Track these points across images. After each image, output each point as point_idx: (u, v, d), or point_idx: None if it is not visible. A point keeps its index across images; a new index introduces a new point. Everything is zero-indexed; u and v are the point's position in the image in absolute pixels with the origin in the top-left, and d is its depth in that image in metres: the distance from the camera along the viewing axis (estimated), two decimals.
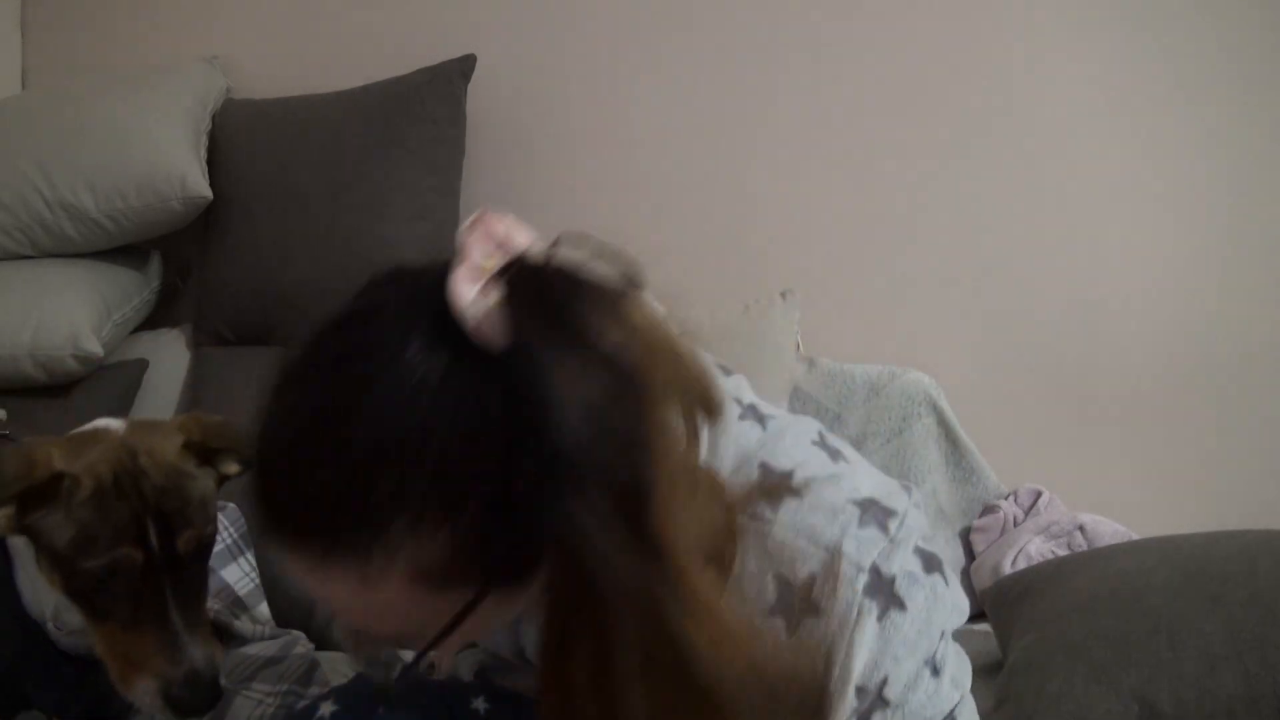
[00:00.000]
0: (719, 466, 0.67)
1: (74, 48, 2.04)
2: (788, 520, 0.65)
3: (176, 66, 1.85)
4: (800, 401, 1.50)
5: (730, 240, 1.68)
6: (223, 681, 1.19)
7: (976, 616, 1.44)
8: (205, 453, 0.92)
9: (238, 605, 1.40)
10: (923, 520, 0.72)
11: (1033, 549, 1.38)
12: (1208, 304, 1.48)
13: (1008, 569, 1.36)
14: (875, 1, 1.61)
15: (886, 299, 1.61)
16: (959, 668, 0.72)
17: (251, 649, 1.32)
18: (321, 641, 1.40)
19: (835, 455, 0.72)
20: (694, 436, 0.58)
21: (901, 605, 0.65)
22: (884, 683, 0.65)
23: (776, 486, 0.67)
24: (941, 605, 0.68)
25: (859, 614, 0.64)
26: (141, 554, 0.82)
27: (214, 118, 1.82)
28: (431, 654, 0.59)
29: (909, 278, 1.59)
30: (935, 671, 0.68)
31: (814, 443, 0.72)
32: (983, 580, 1.39)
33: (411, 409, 0.52)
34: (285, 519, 0.55)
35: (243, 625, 1.37)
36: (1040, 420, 1.54)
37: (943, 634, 0.68)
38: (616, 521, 0.51)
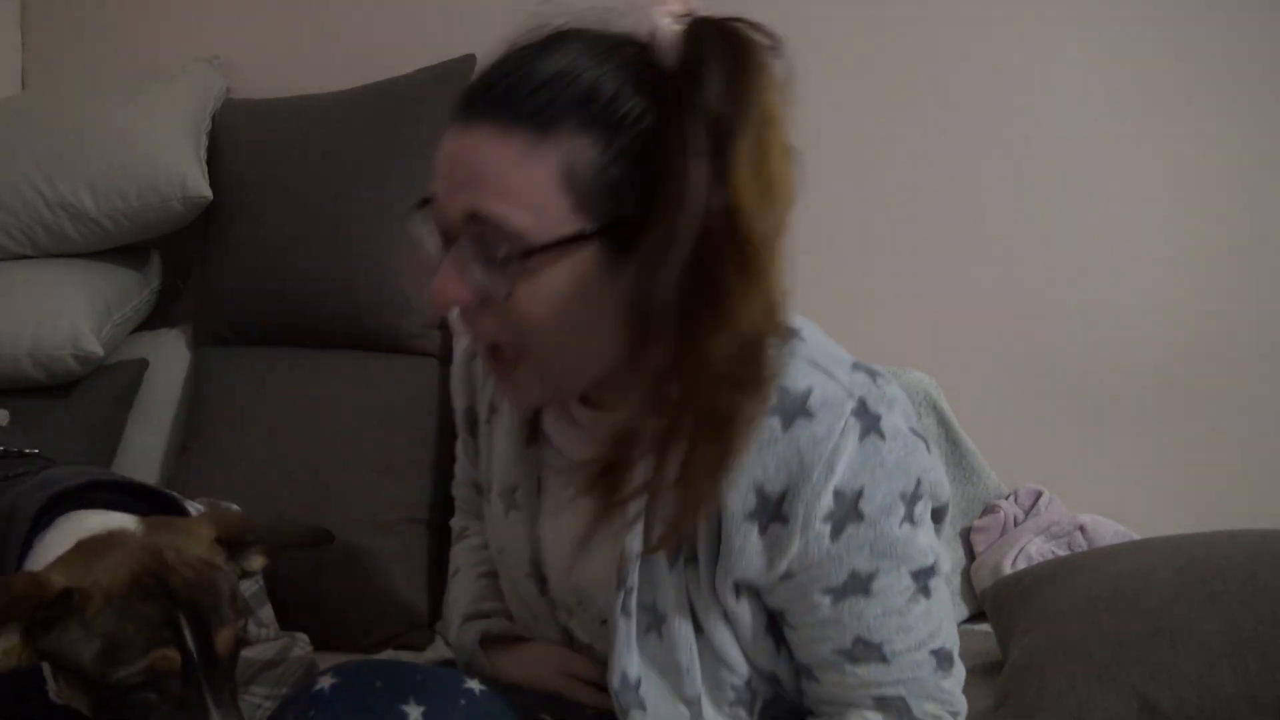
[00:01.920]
0: None
1: (74, 48, 2.04)
2: (794, 351, 0.77)
3: (176, 66, 1.85)
4: None
5: None
6: None
7: (976, 616, 1.44)
8: (232, 546, 0.88)
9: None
10: (909, 406, 0.81)
11: (1033, 549, 1.38)
12: (1208, 304, 1.49)
13: (1008, 569, 1.36)
14: (877, 1, 1.61)
15: (886, 299, 1.61)
16: (942, 548, 0.81)
17: (250, 652, 1.33)
18: (322, 642, 1.40)
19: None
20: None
21: (881, 435, 0.75)
22: (860, 494, 0.74)
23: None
24: (918, 457, 0.77)
25: (845, 426, 0.74)
26: (179, 655, 0.76)
27: (214, 118, 1.81)
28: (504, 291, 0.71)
29: (909, 278, 1.59)
30: (912, 521, 0.76)
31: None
32: (983, 580, 1.39)
33: (604, 61, 0.71)
34: (494, 92, 0.72)
35: (250, 629, 1.37)
36: (1040, 420, 1.54)
37: (919, 481, 0.77)
38: (711, 162, 0.68)
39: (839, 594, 0.77)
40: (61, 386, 1.65)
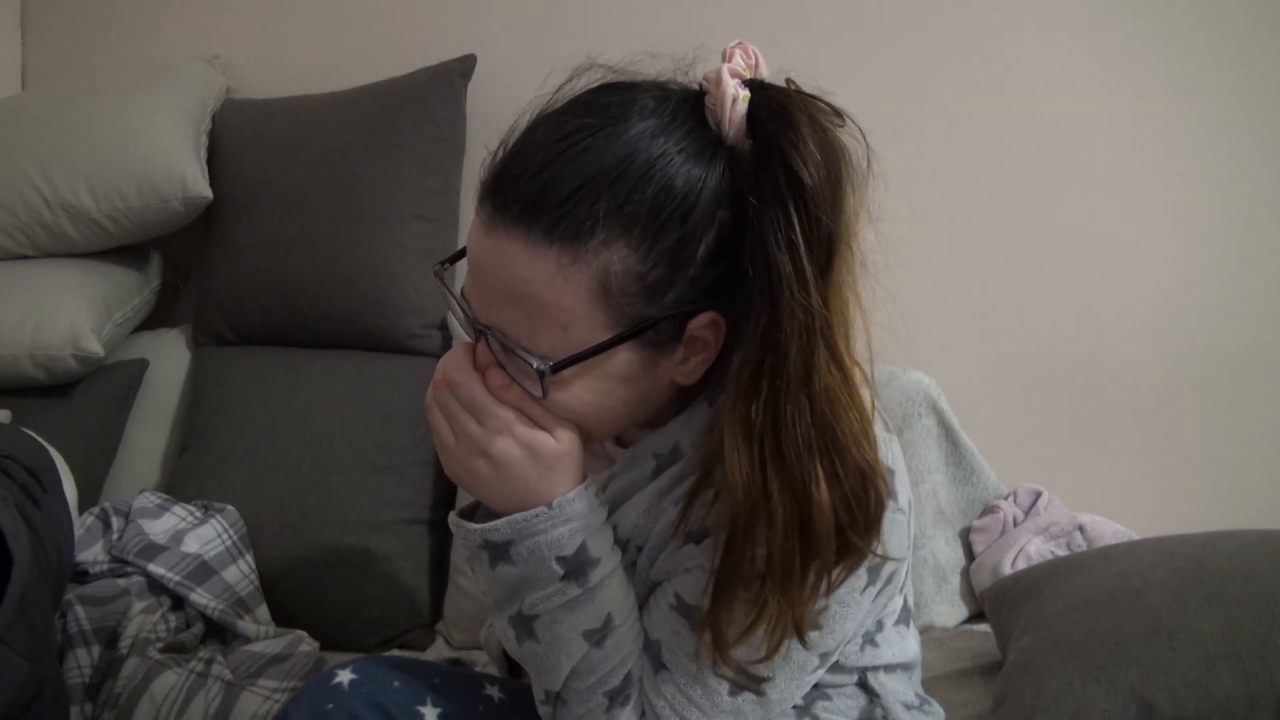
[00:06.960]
0: None
1: (74, 48, 2.04)
2: None
3: (176, 66, 1.85)
4: None
5: None
6: (229, 678, 1.19)
7: (976, 616, 1.45)
8: None
9: (240, 606, 1.40)
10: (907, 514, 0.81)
11: (1032, 549, 1.38)
12: (1208, 304, 1.49)
13: (1007, 569, 1.36)
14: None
15: (886, 299, 1.61)
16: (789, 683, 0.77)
17: (257, 646, 1.33)
18: (323, 643, 1.41)
19: None
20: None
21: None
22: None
23: None
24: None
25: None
26: None
27: (214, 118, 1.82)
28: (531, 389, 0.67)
29: (909, 277, 1.59)
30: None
31: None
32: (982, 581, 1.40)
33: (652, 147, 0.66)
34: (526, 198, 0.65)
35: (246, 626, 1.37)
36: (1040, 420, 1.54)
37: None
38: (808, 261, 0.68)
39: (674, 604, 0.75)
40: (61, 386, 1.65)
